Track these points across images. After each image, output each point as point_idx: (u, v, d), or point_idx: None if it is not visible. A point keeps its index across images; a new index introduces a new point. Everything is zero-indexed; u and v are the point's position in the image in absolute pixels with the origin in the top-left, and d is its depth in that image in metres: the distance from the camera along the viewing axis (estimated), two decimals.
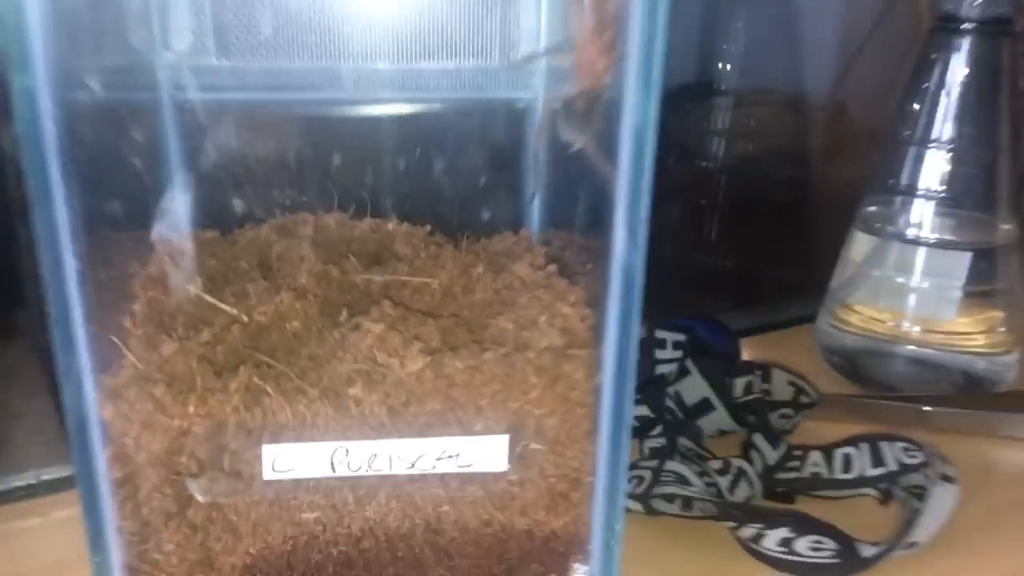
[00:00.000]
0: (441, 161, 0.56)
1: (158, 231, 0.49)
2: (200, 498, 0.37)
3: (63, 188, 0.34)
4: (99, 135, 0.47)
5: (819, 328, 0.84)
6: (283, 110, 0.53)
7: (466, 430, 0.39)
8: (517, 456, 0.39)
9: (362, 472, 0.38)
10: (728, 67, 0.97)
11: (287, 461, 0.37)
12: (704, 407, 0.67)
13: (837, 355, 0.81)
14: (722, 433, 0.67)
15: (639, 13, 0.33)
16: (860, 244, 0.78)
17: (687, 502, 0.59)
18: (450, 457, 0.39)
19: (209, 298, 0.43)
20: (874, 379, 0.79)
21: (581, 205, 0.50)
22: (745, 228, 0.97)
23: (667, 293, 0.90)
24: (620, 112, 0.34)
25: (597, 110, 0.34)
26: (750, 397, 0.67)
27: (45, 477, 0.59)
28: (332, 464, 0.38)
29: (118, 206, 0.48)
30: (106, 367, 0.38)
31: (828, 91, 1.06)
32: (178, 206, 0.52)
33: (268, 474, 0.37)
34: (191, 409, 0.37)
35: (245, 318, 0.43)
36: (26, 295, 0.64)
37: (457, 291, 0.48)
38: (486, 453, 0.39)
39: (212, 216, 0.53)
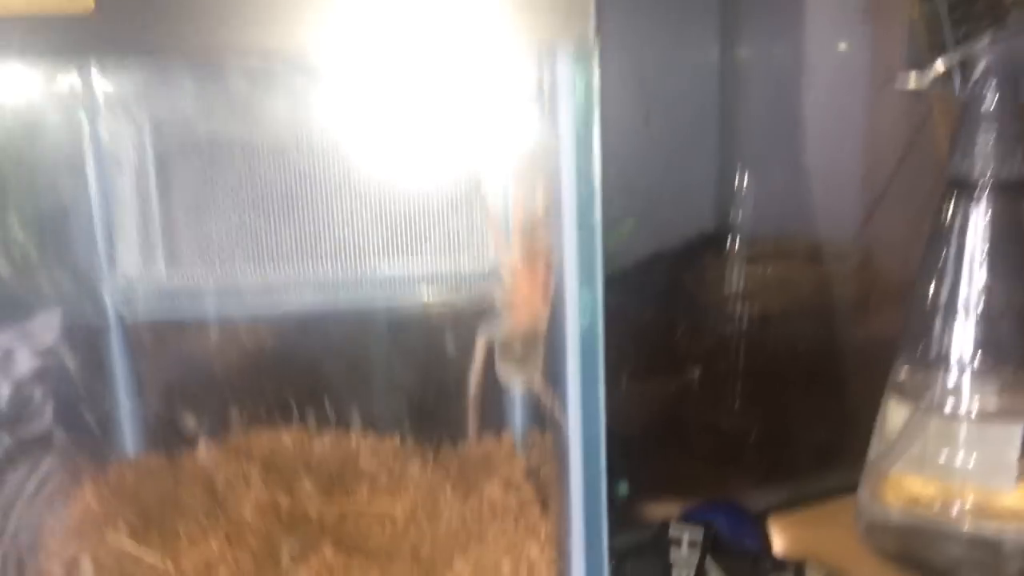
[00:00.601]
0: (414, 364, 0.52)
1: (94, 463, 0.45)
2: None
3: None
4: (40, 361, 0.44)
5: (860, 504, 0.76)
6: (237, 321, 0.50)
7: None
8: None
9: None
10: (744, 218, 0.93)
11: None
12: None
13: (882, 535, 0.73)
14: None
15: (572, 209, 0.30)
16: (895, 413, 0.71)
17: None
18: None
19: (129, 546, 0.38)
20: (925, 563, 0.70)
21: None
22: (770, 393, 0.91)
23: (686, 469, 0.84)
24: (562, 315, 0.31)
25: (537, 349, 0.30)
26: None
27: None
28: None
29: (57, 434, 0.45)
30: None
31: (851, 240, 1.01)
32: (120, 431, 0.48)
33: None
34: None
35: (169, 566, 0.38)
36: None
37: (421, 518, 0.43)
38: None
39: (162, 436, 0.49)
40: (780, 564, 0.62)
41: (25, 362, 0.39)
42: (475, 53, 0.31)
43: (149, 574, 0.37)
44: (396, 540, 0.41)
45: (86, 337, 0.47)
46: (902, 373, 0.73)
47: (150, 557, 0.38)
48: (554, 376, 0.34)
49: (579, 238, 0.31)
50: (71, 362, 0.45)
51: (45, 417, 0.42)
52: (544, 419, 0.51)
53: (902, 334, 0.74)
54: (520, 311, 0.30)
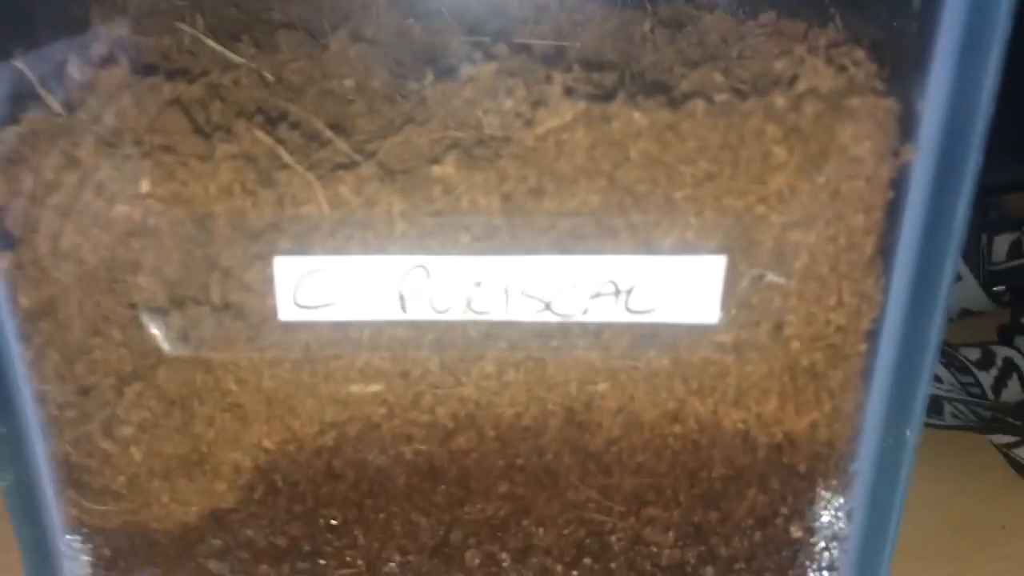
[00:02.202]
0: None
1: None
2: (170, 349, 0.21)
3: None
4: None
5: None
6: None
7: (646, 244, 0.21)
8: (738, 297, 0.21)
9: (455, 315, 0.21)
10: None
11: (319, 287, 0.21)
12: None
13: None
14: (966, 313, 0.48)
15: None
16: None
17: (934, 404, 0.40)
18: (616, 293, 0.21)
19: (210, 42, 0.26)
20: None
21: None
22: None
23: None
24: None
25: None
26: (1015, 263, 0.47)
27: None
28: (402, 298, 0.21)
29: None
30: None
31: None
32: None
33: (287, 310, 0.21)
34: (145, 186, 0.20)
35: (268, 76, 0.26)
36: None
37: (612, 56, 0.29)
38: (682, 289, 0.21)
39: None
40: (1015, 221, 0.49)
41: None
42: None
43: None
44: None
45: None
46: None
47: (236, 58, 0.26)
48: None
49: None
50: None
51: None
52: None
53: None
54: None
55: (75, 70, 0.22)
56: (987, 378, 0.41)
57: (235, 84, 0.25)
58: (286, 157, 0.20)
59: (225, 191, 0.20)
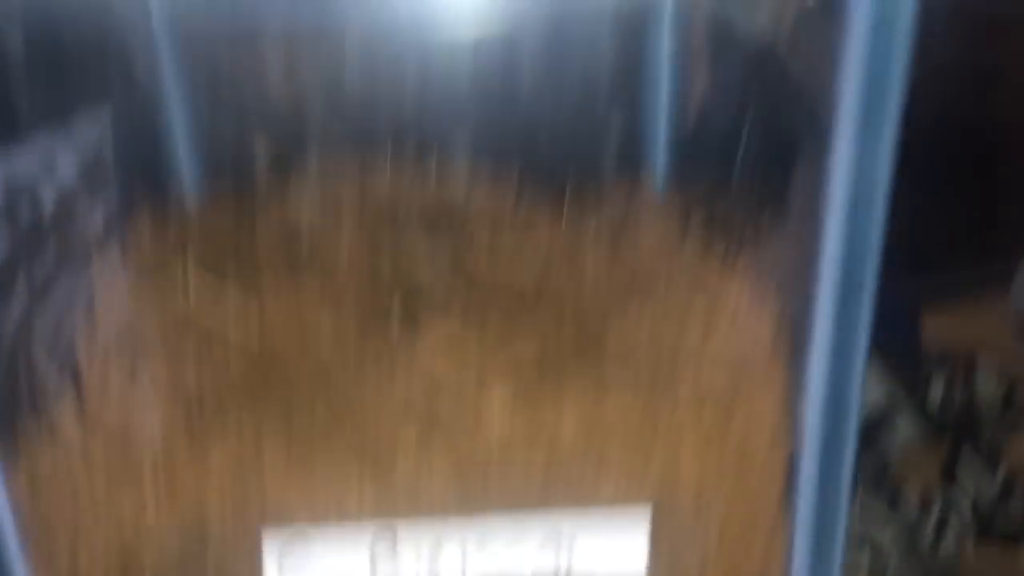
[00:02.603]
0: (533, 87, 0.41)
1: (149, 197, 0.36)
2: None
3: None
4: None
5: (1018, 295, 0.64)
6: (314, 29, 0.39)
7: (580, 500, 0.24)
8: (662, 548, 0.25)
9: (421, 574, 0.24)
10: None
11: (301, 560, 0.23)
12: (887, 418, 0.50)
13: None
14: (909, 448, 0.51)
15: None
16: None
17: (876, 557, 0.43)
18: (555, 547, 0.24)
19: (207, 284, 0.29)
20: None
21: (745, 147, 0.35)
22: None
23: None
24: None
25: None
26: (951, 405, 0.50)
27: None
28: (372, 560, 0.24)
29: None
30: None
31: None
32: (177, 158, 0.38)
33: None
34: (147, 483, 0.23)
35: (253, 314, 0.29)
36: None
37: (559, 280, 0.33)
38: (614, 539, 0.24)
39: (227, 170, 0.40)
40: (950, 361, 0.52)
41: None
42: None
43: (228, 349, 0.28)
44: (530, 306, 0.31)
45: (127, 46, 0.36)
46: None
47: (233, 297, 0.29)
48: None
49: None
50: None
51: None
52: (691, 172, 0.40)
53: None
54: None
55: (84, 365, 0.25)
56: (929, 522, 0.44)
57: (224, 367, 0.28)
58: (270, 455, 0.23)
59: (217, 488, 0.23)
